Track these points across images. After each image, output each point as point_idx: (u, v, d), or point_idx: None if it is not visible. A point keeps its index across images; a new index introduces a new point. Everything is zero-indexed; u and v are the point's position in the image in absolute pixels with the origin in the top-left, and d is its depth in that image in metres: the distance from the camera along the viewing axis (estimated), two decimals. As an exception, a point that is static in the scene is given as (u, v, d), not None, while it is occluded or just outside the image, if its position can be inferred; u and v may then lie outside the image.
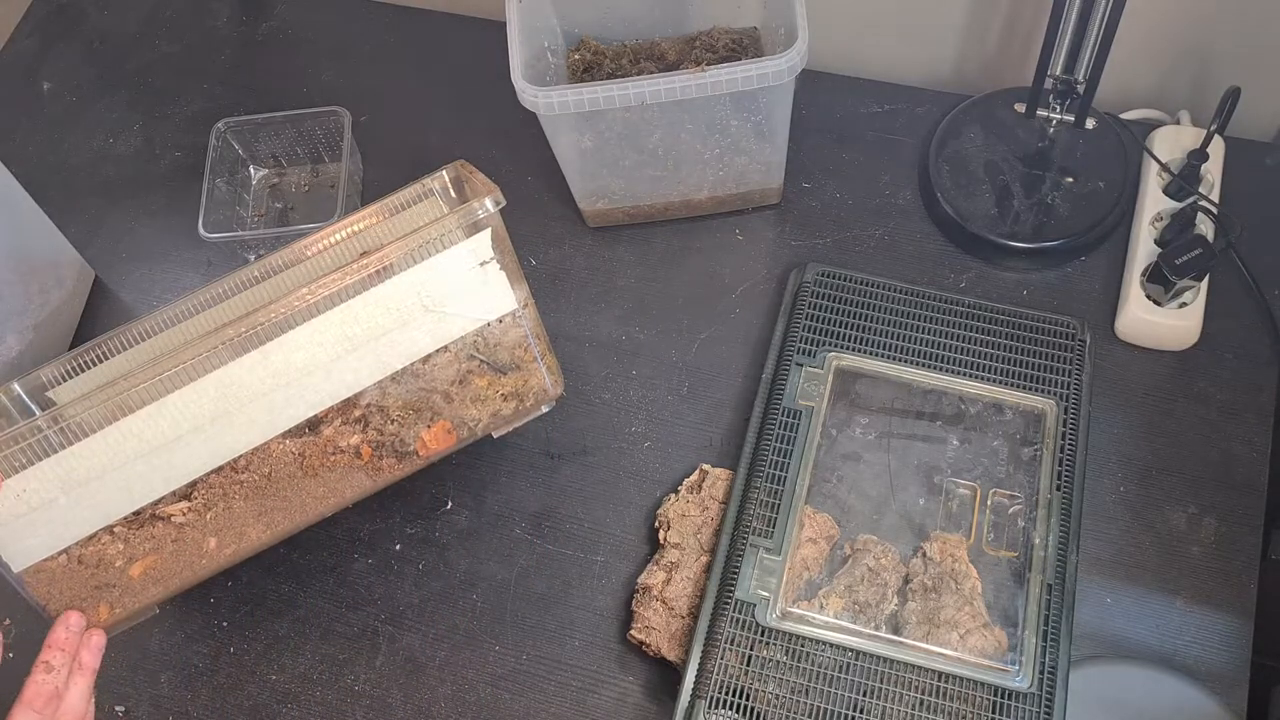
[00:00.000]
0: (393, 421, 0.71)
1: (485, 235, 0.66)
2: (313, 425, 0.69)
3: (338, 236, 0.72)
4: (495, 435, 0.77)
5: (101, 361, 0.70)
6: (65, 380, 0.70)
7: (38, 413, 0.70)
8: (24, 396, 0.70)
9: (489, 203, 0.65)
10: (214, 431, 0.66)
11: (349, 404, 0.69)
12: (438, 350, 0.70)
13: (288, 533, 0.73)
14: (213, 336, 0.62)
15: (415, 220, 0.74)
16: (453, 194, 0.73)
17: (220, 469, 0.68)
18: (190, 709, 0.78)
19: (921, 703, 0.69)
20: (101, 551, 0.67)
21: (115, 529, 0.67)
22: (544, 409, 0.79)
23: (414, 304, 0.67)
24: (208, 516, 0.69)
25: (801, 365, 0.80)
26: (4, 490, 0.61)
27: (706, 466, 0.81)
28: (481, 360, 0.72)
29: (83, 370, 0.70)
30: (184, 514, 0.68)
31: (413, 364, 0.69)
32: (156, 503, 0.67)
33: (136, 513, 0.67)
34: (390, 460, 0.73)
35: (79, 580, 0.67)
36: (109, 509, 0.66)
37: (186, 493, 0.68)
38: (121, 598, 0.69)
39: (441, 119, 1.02)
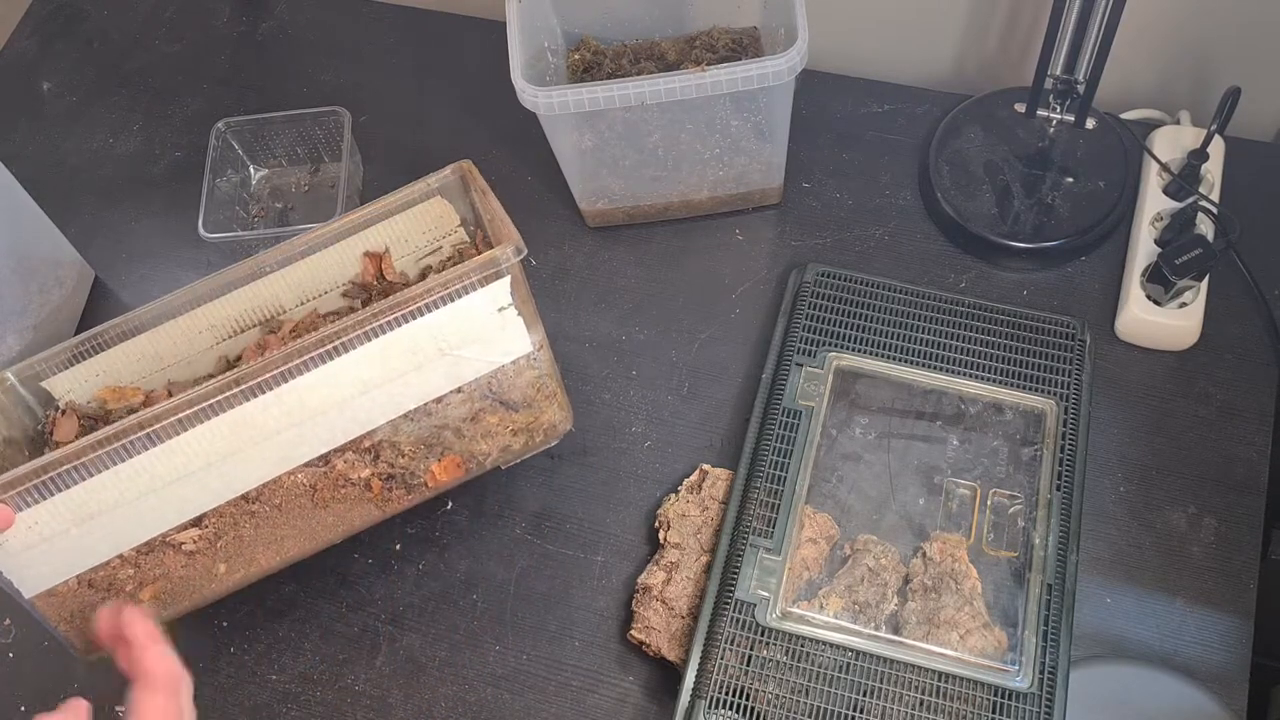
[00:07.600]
0: (404, 456, 0.71)
1: (505, 282, 0.66)
2: (324, 458, 0.69)
3: (337, 234, 0.72)
4: (504, 467, 0.78)
5: (96, 353, 0.70)
6: (61, 370, 0.70)
7: (34, 406, 0.71)
8: (18, 387, 0.70)
9: (510, 251, 0.64)
10: (226, 468, 0.66)
11: (360, 438, 0.69)
12: (451, 390, 0.69)
13: (296, 558, 0.73)
14: (227, 380, 0.62)
15: (415, 220, 0.74)
16: (454, 192, 0.73)
17: (231, 500, 0.68)
18: (190, 709, 0.79)
19: (921, 703, 0.68)
20: (112, 575, 0.68)
21: (125, 555, 0.67)
22: (553, 443, 0.79)
23: (430, 348, 0.66)
24: (218, 544, 0.69)
25: (801, 365, 0.80)
26: (15, 523, 0.62)
27: (706, 466, 0.81)
28: (494, 399, 0.71)
29: (79, 360, 0.70)
30: (194, 541, 0.68)
31: (426, 403, 0.69)
32: (167, 531, 0.67)
33: (147, 540, 0.67)
34: (399, 491, 0.73)
35: (88, 603, 0.68)
36: (120, 540, 0.66)
37: (197, 521, 0.68)
38: None
39: (441, 119, 1.02)
